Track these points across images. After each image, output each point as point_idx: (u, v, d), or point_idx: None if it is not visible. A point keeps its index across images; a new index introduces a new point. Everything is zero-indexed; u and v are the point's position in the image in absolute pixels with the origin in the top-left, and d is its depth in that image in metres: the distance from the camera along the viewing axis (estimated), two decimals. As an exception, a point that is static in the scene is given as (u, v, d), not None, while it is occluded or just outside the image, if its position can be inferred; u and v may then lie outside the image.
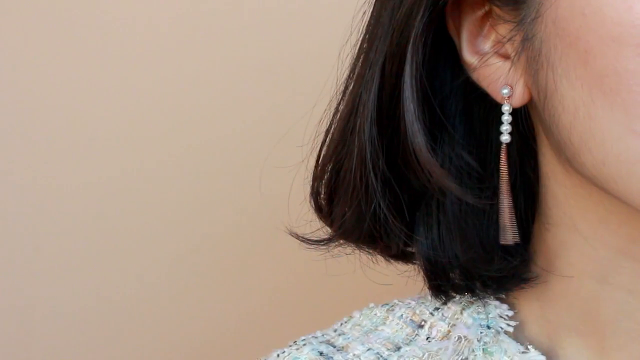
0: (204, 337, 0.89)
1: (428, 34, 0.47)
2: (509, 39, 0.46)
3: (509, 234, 0.50)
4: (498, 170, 0.50)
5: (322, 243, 0.55)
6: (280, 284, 0.88)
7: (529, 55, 0.45)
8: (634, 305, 0.48)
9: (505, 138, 0.48)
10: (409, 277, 0.55)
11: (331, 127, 0.53)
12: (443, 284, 0.53)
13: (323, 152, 0.53)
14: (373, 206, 0.51)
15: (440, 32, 0.48)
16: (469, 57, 0.48)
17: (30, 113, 0.84)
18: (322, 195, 0.54)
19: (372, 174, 0.50)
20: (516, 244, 0.51)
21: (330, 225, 0.54)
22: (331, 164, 0.53)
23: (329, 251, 0.55)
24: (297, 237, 0.56)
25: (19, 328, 0.87)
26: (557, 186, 0.50)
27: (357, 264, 0.56)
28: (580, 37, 0.42)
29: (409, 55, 0.47)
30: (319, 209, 0.55)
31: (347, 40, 0.52)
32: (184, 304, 0.89)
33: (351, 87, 0.51)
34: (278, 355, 0.56)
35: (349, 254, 0.55)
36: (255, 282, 0.88)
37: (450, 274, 0.53)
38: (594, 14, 0.41)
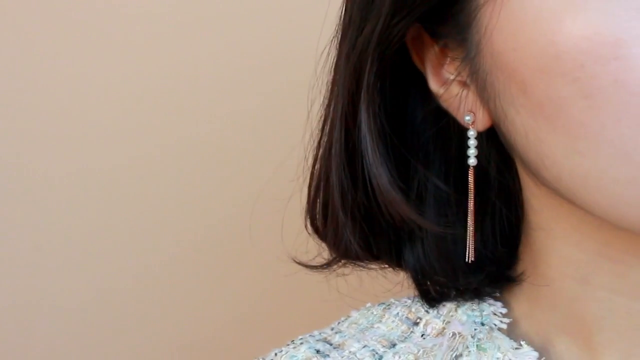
0: (203, 336, 0.90)
1: (384, 75, 0.50)
2: (459, 73, 0.49)
3: (471, 253, 0.52)
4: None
5: (324, 267, 0.57)
6: (278, 284, 0.88)
7: (479, 85, 0.47)
8: (617, 302, 0.49)
9: (471, 161, 0.50)
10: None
11: (315, 162, 0.55)
12: (431, 292, 0.56)
13: (313, 184, 0.56)
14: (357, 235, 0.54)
15: (407, 61, 0.51)
16: (434, 86, 0.50)
17: (28, 111, 0.85)
18: (317, 219, 0.56)
19: (349, 211, 0.53)
20: (494, 254, 0.55)
21: (333, 248, 0.56)
22: (319, 197, 0.55)
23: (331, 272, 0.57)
24: (300, 264, 0.58)
25: (16, 327, 0.87)
26: (532, 196, 0.51)
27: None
28: (515, 69, 0.44)
29: (362, 105, 0.50)
30: (316, 231, 0.57)
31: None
32: (183, 303, 0.89)
33: (328, 127, 0.54)
34: (276, 354, 0.57)
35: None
36: (253, 282, 0.89)
37: (436, 282, 0.55)
38: (522, 48, 0.43)
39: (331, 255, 0.56)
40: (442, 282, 0.55)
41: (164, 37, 0.86)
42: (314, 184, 0.55)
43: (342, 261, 0.56)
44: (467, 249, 0.52)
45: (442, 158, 0.54)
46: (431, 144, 0.54)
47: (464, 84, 0.49)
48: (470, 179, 0.51)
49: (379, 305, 0.58)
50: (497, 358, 0.52)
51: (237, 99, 0.87)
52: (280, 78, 0.85)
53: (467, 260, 0.52)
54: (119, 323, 0.89)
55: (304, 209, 0.56)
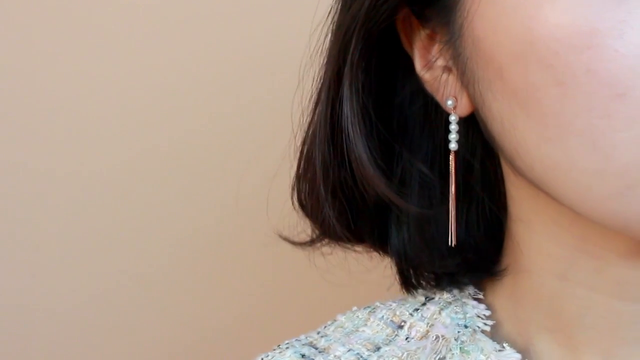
0: (195, 338, 0.90)
1: (370, 55, 0.50)
2: (441, 55, 0.49)
3: (453, 237, 0.52)
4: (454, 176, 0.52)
5: (307, 244, 0.57)
6: (272, 285, 0.88)
7: (460, 70, 0.48)
8: (596, 300, 0.49)
9: (452, 146, 0.51)
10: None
11: (305, 142, 0.55)
12: (414, 277, 0.56)
13: (301, 163, 0.56)
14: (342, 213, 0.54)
15: (397, 45, 0.52)
16: (421, 70, 0.51)
17: (26, 111, 0.86)
18: (303, 194, 0.56)
19: (330, 187, 0.53)
20: (476, 243, 0.55)
21: (316, 224, 0.57)
22: (306, 173, 0.56)
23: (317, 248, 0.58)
24: (285, 240, 0.58)
25: (15, 327, 0.87)
26: (512, 187, 0.52)
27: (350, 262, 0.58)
28: (494, 54, 0.44)
29: (345, 82, 0.50)
30: (301, 206, 0.57)
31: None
32: (181, 303, 0.89)
33: (317, 106, 0.54)
34: (262, 359, 0.57)
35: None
36: (245, 283, 0.89)
37: (420, 268, 0.56)
38: (501, 33, 0.44)
39: (314, 233, 0.56)
40: (424, 270, 0.55)
41: (153, 35, 0.86)
42: (302, 159, 0.55)
43: (326, 240, 0.56)
44: (450, 233, 0.52)
45: (428, 144, 0.54)
46: (417, 129, 0.54)
47: (447, 68, 0.49)
48: (452, 163, 0.51)
49: (364, 308, 0.59)
50: (480, 360, 0.52)
51: (226, 76, 0.87)
52: (271, 55, 0.85)
53: (449, 244, 0.52)
54: (113, 321, 0.89)
55: (291, 186, 0.56)
